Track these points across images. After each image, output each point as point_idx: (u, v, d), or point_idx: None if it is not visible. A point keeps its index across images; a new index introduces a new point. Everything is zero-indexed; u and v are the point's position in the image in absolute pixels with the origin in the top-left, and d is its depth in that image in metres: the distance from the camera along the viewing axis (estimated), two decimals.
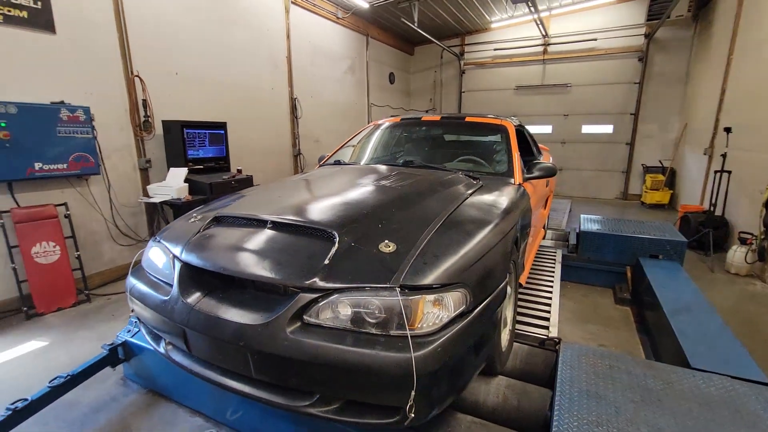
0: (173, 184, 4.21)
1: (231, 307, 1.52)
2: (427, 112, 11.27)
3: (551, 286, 3.25)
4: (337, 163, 3.16)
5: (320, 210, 1.84)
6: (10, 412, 1.90)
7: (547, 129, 9.86)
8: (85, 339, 3.10)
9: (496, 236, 1.73)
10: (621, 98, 8.94)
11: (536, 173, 2.76)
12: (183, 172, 4.32)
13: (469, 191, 2.20)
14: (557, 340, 2.35)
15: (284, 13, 6.43)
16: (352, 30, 8.26)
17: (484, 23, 9.62)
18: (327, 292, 1.40)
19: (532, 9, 6.93)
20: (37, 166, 3.47)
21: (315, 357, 1.32)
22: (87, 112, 3.79)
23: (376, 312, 1.34)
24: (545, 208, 4.08)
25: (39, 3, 3.57)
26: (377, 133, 3.51)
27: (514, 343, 2.34)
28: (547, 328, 2.58)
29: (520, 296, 3.07)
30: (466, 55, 10.42)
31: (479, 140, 3.31)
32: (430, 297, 1.38)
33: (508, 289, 2.18)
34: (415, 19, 7.49)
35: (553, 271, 3.60)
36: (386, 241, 1.54)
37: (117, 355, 2.45)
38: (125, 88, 4.30)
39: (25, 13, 3.49)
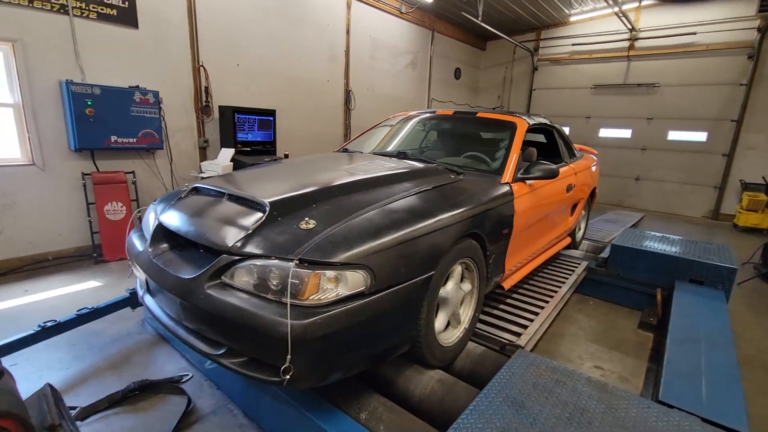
0: (221, 162, 4.74)
1: (179, 262, 1.77)
2: (494, 109, 10.85)
3: (550, 297, 3.04)
4: (344, 150, 3.31)
5: (270, 187, 2.02)
6: (39, 329, 2.41)
7: (625, 133, 8.91)
8: (131, 284, 3.71)
9: (427, 229, 1.74)
10: (721, 101, 7.71)
11: (533, 174, 2.63)
12: (230, 152, 4.84)
13: (434, 185, 2.20)
14: (517, 347, 2.26)
15: (346, 9, 6.72)
16: (417, 24, 8.29)
17: (563, 17, 8.95)
18: (243, 257, 1.58)
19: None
20: (113, 138, 4.19)
21: (221, 312, 1.50)
22: (156, 96, 4.45)
23: (275, 280, 1.48)
24: (573, 214, 3.80)
25: (126, 2, 4.27)
26: (393, 125, 3.58)
27: (473, 344, 2.30)
28: (519, 335, 2.46)
29: (503, 299, 2.95)
30: (541, 50, 9.80)
31: (486, 137, 3.20)
32: (329, 273, 1.47)
33: (466, 287, 2.16)
34: (479, 13, 7.27)
35: (564, 282, 3.35)
36: (307, 219, 1.66)
37: (136, 298, 2.92)
38: (191, 76, 4.93)
39: (114, 11, 4.20)
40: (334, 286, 1.48)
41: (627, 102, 8.73)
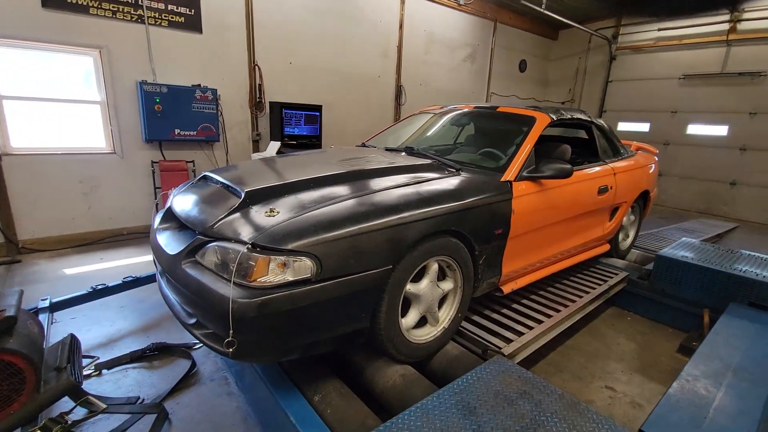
0: (268, 153, 5.12)
1: (173, 241, 2.01)
2: (563, 104, 10.10)
3: (564, 306, 2.80)
4: (363, 145, 3.39)
5: (259, 177, 2.17)
6: (91, 290, 2.89)
7: (719, 130, 7.70)
8: None
9: (386, 224, 1.75)
10: None
11: (544, 173, 2.46)
12: (276, 145, 5.19)
13: (420, 180, 2.18)
14: (497, 353, 2.17)
15: (399, 4, 6.74)
16: (477, 16, 8.01)
17: None
18: (212, 239, 1.75)
19: None
20: (177, 131, 4.76)
21: (190, 286, 1.69)
22: (214, 93, 4.94)
23: (231, 262, 1.62)
24: (612, 219, 3.44)
25: (192, 10, 4.80)
26: (415, 120, 3.57)
27: (454, 344, 2.25)
28: (510, 341, 2.32)
29: (508, 303, 2.78)
30: (621, 37, 8.84)
31: (503, 132, 3.04)
32: (277, 259, 1.58)
33: (446, 286, 2.12)
34: (542, 1, 6.79)
35: (587, 293, 3.05)
36: (272, 208, 1.78)
37: None
38: (248, 75, 5.38)
39: (182, 19, 4.75)
40: (282, 271, 1.58)
41: (724, 94, 7.53)
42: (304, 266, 1.58)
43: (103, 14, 4.24)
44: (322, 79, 6.13)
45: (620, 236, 3.83)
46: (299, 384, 1.91)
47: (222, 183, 2.15)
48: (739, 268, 3.05)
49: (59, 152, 4.32)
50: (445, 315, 2.21)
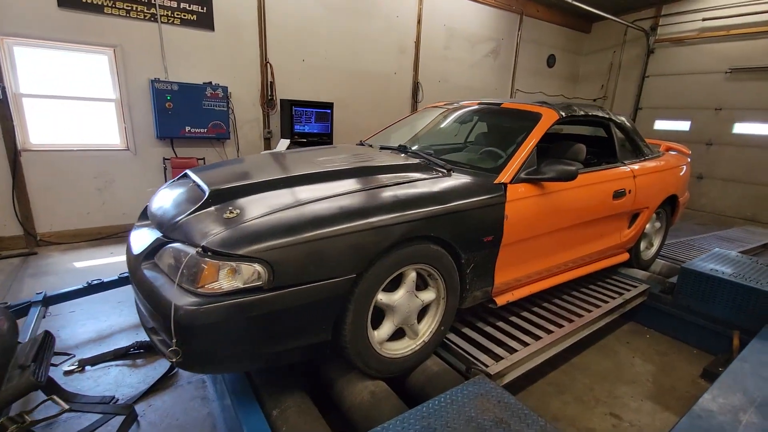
0: (277, 151, 5.09)
1: (141, 240, 1.95)
2: (594, 101, 9.54)
3: (569, 321, 2.55)
4: (360, 143, 3.25)
5: (233, 175, 2.08)
6: (86, 285, 2.92)
7: None
8: None
9: (350, 229, 1.60)
10: None
11: (545, 174, 2.24)
12: (286, 143, 5.15)
13: (401, 181, 2.02)
14: (480, 372, 1.98)
15: None
16: (501, 9, 7.67)
17: None
18: (171, 240, 1.67)
19: None
20: (187, 128, 4.81)
21: (144, 290, 1.62)
22: (225, 90, 4.96)
23: (181, 265, 1.53)
24: (631, 225, 3.14)
25: (204, 8, 4.82)
26: (419, 117, 3.40)
27: (436, 360, 2.08)
28: (499, 360, 2.12)
29: (506, 316, 2.56)
30: (660, 29, 8.21)
31: (506, 130, 2.81)
32: (225, 264, 1.47)
33: (427, 296, 1.96)
34: None
35: (598, 306, 2.78)
36: (231, 209, 1.68)
37: None
38: (259, 72, 5.37)
39: (194, 17, 4.78)
40: (231, 277, 1.47)
41: None
42: (255, 273, 1.47)
43: (117, 13, 4.33)
44: (335, 77, 6.04)
45: (642, 245, 3.49)
46: (262, 395, 1.81)
47: (194, 181, 2.08)
48: None
49: (75, 149, 4.46)
50: (426, 328, 2.04)
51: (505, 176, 2.22)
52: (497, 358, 2.16)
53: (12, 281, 3.60)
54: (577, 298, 2.93)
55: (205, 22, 4.85)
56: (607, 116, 3.05)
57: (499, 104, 2.91)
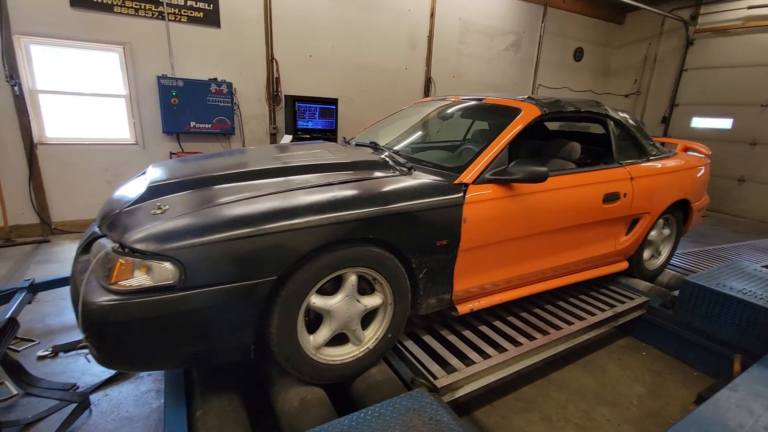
0: None
1: (87, 233, 1.98)
2: (626, 96, 8.94)
3: (545, 333, 2.35)
4: (344, 141, 3.18)
5: (181, 171, 2.07)
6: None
7: None
8: None
9: (273, 229, 1.53)
10: None
11: (513, 175, 2.07)
12: (288, 138, 5.17)
13: (348, 180, 1.93)
14: (431, 387, 1.87)
15: None
16: (523, 0, 7.32)
17: None
18: (101, 236, 1.68)
19: None
20: (192, 124, 4.93)
21: (72, 282, 1.64)
22: (230, 86, 5.03)
23: (100, 260, 1.53)
24: (629, 232, 2.88)
25: (211, 5, 4.91)
26: (407, 114, 3.28)
27: (381, 368, 1.98)
28: (452, 372, 1.98)
29: (476, 324, 2.40)
30: (701, 18, 7.55)
31: (485, 126, 2.64)
32: (137, 261, 1.45)
33: (372, 301, 1.87)
34: None
35: (583, 318, 2.56)
36: (160, 205, 1.66)
37: None
38: (265, 68, 5.41)
39: (201, 14, 4.88)
40: (144, 275, 1.45)
41: None
42: (167, 272, 1.43)
43: (126, 12, 4.48)
44: (342, 72, 5.99)
45: (646, 254, 3.20)
46: (193, 394, 1.79)
47: (142, 174, 2.09)
48: None
49: (87, 142, 4.67)
50: (372, 334, 1.94)
51: (467, 176, 2.08)
52: (452, 369, 2.03)
53: (19, 267, 3.83)
54: (562, 308, 2.72)
55: (212, 19, 4.93)
56: (603, 112, 2.80)
57: (482, 99, 2.74)
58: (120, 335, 1.43)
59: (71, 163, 4.62)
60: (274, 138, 5.70)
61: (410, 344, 2.20)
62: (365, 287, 1.90)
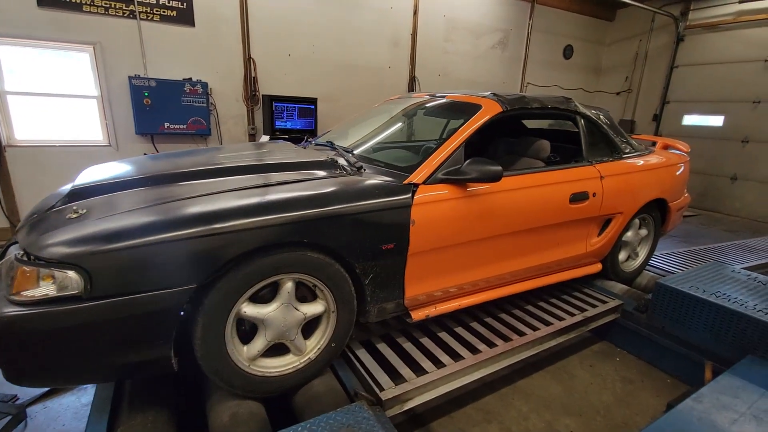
0: None
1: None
2: (617, 94, 8.83)
3: (507, 339, 2.25)
4: (306, 141, 3.08)
5: (107, 172, 1.97)
6: None
7: None
8: None
9: (195, 234, 1.43)
10: None
11: (467, 175, 1.97)
12: (266, 139, 5.07)
13: (286, 181, 1.83)
14: (373, 401, 1.76)
15: None
16: None
17: None
18: (16, 242, 1.58)
19: None
20: (166, 125, 4.83)
21: None
22: (205, 86, 4.93)
23: (4, 269, 1.43)
24: (601, 233, 2.77)
25: (184, 4, 4.81)
26: (372, 112, 3.18)
27: (324, 380, 1.87)
28: (401, 383, 1.87)
29: (436, 331, 2.30)
30: (692, 14, 7.43)
31: (443, 124, 2.54)
32: (43, 269, 1.35)
33: (313, 309, 1.77)
34: None
35: (550, 323, 2.45)
36: (77, 209, 1.55)
37: None
38: (243, 67, 5.31)
39: (174, 13, 4.78)
40: (50, 284, 1.34)
41: None
42: (71, 281, 1.33)
43: (95, 11, 4.39)
44: (324, 71, 5.88)
45: (622, 255, 3.08)
46: (119, 407, 1.69)
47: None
48: None
49: (59, 144, 4.58)
50: (315, 344, 1.84)
51: (417, 176, 1.97)
52: (402, 380, 1.92)
53: None
54: (530, 313, 2.61)
55: (186, 17, 4.84)
56: (572, 108, 2.70)
57: (444, 96, 2.63)
58: (24, 350, 1.33)
59: (42, 165, 4.52)
60: (253, 138, 5.60)
61: (362, 353, 2.10)
62: (306, 294, 1.80)
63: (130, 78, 4.56)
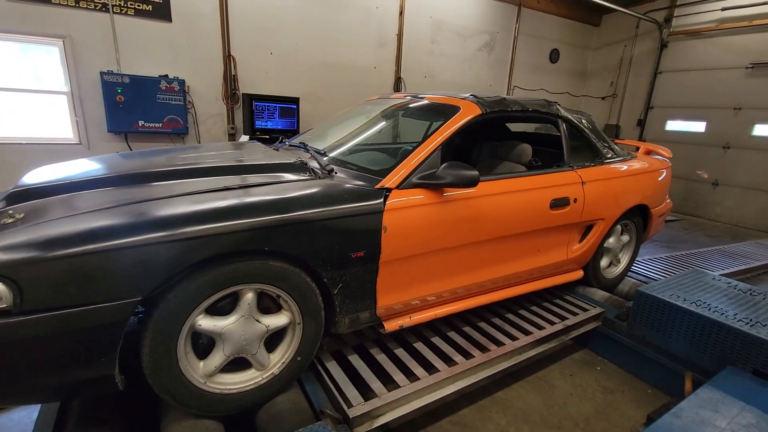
0: None
1: None
2: (603, 99, 8.88)
3: (480, 351, 2.17)
4: (279, 140, 2.96)
5: (54, 173, 1.84)
6: None
7: None
8: None
9: (136, 243, 1.31)
10: None
11: (442, 179, 1.89)
12: (245, 139, 4.93)
13: (251, 182, 1.72)
14: (339, 419, 1.66)
15: None
16: (497, 0, 7.19)
17: None
18: None
19: None
20: (141, 123, 4.66)
21: None
22: (182, 84, 4.78)
23: None
24: (583, 239, 2.71)
25: None
26: (351, 113, 3.08)
27: (288, 396, 1.76)
28: (371, 398, 1.77)
29: (411, 341, 2.21)
30: (675, 20, 7.51)
31: (420, 126, 2.46)
32: None
33: (277, 321, 1.66)
34: None
35: (530, 333, 2.38)
36: (12, 213, 1.42)
37: None
38: (222, 65, 5.16)
39: (150, 7, 4.62)
40: None
41: None
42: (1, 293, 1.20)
43: (65, 3, 4.21)
44: (307, 70, 5.77)
45: (604, 262, 3.04)
46: (64, 429, 1.55)
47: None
48: (751, 319, 2.20)
49: (25, 142, 4.37)
50: (279, 358, 1.73)
51: (390, 181, 1.88)
52: (373, 395, 1.82)
53: None
54: (509, 321, 2.54)
55: (162, 12, 4.68)
56: (553, 112, 2.64)
57: (423, 97, 2.55)
58: None
59: (7, 163, 4.31)
60: (232, 138, 5.45)
61: (332, 365, 1.99)
62: (270, 305, 1.69)
63: (102, 74, 4.38)
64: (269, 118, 5.18)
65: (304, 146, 2.42)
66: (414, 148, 2.02)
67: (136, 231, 1.32)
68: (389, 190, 1.85)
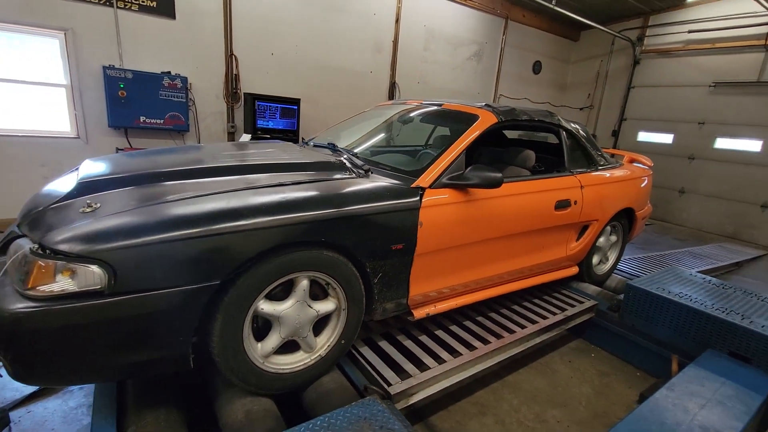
0: None
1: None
2: (581, 110, 9.42)
3: (498, 337, 2.39)
4: (303, 142, 3.10)
5: (114, 165, 1.92)
6: None
7: (753, 145, 6.85)
8: None
9: (219, 230, 1.44)
10: None
11: (469, 180, 2.09)
12: (247, 138, 5.00)
13: (299, 180, 1.86)
14: (384, 395, 1.82)
15: None
16: (485, 12, 7.54)
17: None
18: (20, 235, 1.51)
19: None
20: (142, 119, 4.64)
21: None
22: (184, 81, 4.79)
23: (16, 263, 1.37)
24: (580, 238, 2.99)
25: None
26: (364, 117, 3.24)
27: (334, 376, 1.91)
28: (406, 378, 1.95)
29: (434, 328, 2.40)
30: (647, 39, 8.09)
31: (444, 131, 2.67)
32: (62, 264, 1.31)
33: (324, 307, 1.80)
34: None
35: (535, 322, 2.63)
36: (90, 202, 1.51)
37: None
38: (224, 64, 5.21)
39: (154, 3, 4.62)
40: (68, 279, 1.31)
41: (760, 105, 6.70)
42: (94, 275, 1.30)
43: None
44: (306, 72, 5.88)
45: (595, 259, 3.34)
46: (126, 408, 1.64)
47: (76, 170, 1.92)
48: (725, 308, 2.52)
49: (21, 134, 4.28)
50: (325, 341, 1.88)
51: (424, 180, 2.07)
52: (406, 375, 1.99)
53: None
54: (516, 312, 2.77)
55: (166, 9, 4.69)
56: (556, 122, 2.90)
57: (440, 104, 2.76)
58: (37, 347, 1.29)
59: (2, 156, 4.21)
60: (232, 137, 5.49)
61: (365, 350, 2.15)
62: (318, 292, 1.83)
63: (104, 68, 4.35)
64: (270, 117, 5.26)
65: (332, 146, 2.57)
66: (441, 152, 2.22)
67: (216, 220, 1.45)
68: (423, 189, 2.04)
